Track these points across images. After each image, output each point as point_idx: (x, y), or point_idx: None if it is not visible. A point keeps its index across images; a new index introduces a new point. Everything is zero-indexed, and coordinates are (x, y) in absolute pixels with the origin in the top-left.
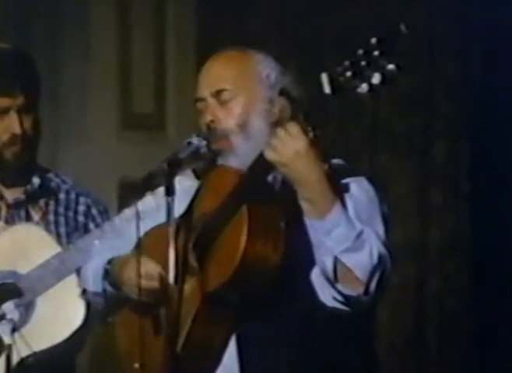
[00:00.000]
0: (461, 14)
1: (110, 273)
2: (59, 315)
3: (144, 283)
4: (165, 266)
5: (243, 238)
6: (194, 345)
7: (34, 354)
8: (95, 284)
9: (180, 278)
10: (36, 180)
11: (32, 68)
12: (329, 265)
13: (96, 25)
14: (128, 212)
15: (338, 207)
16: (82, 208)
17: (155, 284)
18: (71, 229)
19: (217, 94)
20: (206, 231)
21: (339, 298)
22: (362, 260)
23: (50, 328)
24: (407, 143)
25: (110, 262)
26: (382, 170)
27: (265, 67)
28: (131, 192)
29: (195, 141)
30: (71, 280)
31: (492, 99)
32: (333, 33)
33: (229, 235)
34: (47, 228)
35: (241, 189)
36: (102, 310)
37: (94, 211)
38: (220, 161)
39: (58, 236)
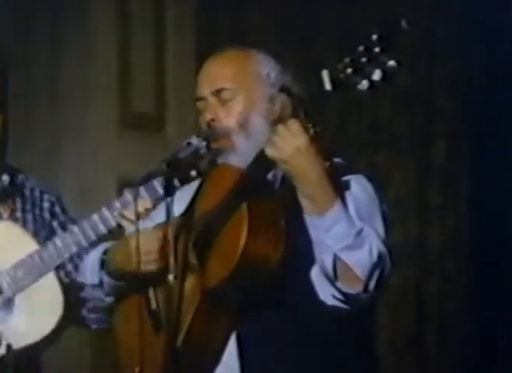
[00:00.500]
0: (462, 13)
1: (106, 262)
2: (37, 313)
3: (143, 258)
4: (165, 265)
5: (244, 236)
6: (193, 342)
7: (12, 351)
8: (92, 275)
9: (180, 275)
10: (5, 178)
11: None
12: (329, 262)
13: (96, 25)
14: (105, 210)
15: (338, 204)
16: (46, 205)
17: (155, 258)
18: (38, 226)
19: (217, 93)
20: (207, 228)
21: (339, 296)
22: (361, 258)
23: (28, 326)
24: (407, 142)
25: (105, 252)
26: (382, 169)
27: (265, 66)
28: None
29: (195, 141)
30: (50, 277)
31: (493, 99)
32: (332, 31)
33: (229, 233)
34: None
35: (241, 187)
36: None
37: (57, 209)
38: (221, 160)
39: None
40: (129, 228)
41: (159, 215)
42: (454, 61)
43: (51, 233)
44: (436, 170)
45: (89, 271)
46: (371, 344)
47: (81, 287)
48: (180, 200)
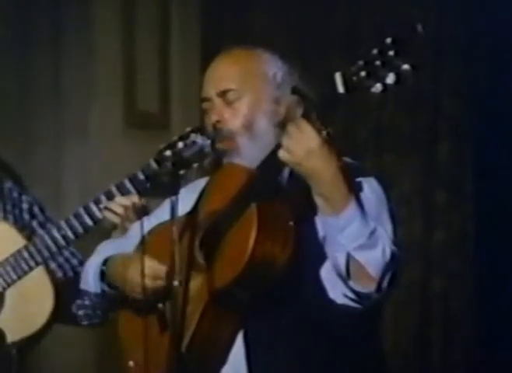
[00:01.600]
0: (466, 14)
1: (106, 274)
2: (28, 308)
3: (148, 282)
4: (169, 265)
5: (252, 237)
6: (200, 342)
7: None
8: (94, 285)
9: (185, 276)
10: None
11: None
12: (342, 261)
13: (100, 24)
14: (90, 203)
15: (352, 204)
16: (25, 206)
17: (160, 282)
18: (19, 227)
19: (223, 94)
20: (214, 228)
21: (350, 294)
22: (375, 257)
23: (19, 321)
24: (412, 143)
25: (104, 263)
26: (387, 170)
27: (272, 67)
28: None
29: (200, 139)
30: (40, 273)
31: (497, 99)
32: (338, 33)
33: (237, 234)
34: None
35: (250, 188)
36: (104, 307)
37: (36, 209)
38: (225, 161)
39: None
40: (115, 221)
41: (165, 213)
42: (459, 61)
43: (32, 233)
44: (441, 170)
45: (92, 279)
46: (379, 343)
47: (73, 283)
48: (186, 199)
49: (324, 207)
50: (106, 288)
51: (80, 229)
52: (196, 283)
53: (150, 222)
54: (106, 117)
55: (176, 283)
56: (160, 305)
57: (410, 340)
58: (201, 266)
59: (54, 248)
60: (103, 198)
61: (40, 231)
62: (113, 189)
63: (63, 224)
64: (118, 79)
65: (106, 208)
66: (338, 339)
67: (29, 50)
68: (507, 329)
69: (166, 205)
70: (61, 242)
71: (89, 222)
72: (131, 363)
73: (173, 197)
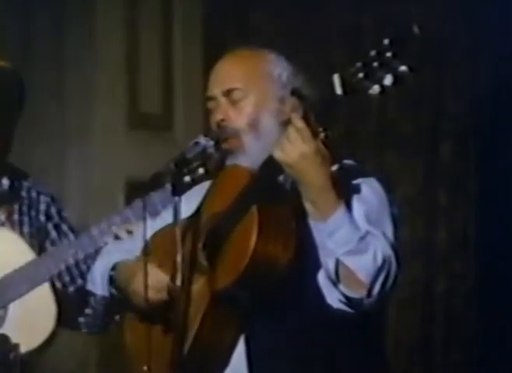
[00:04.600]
0: (470, 14)
1: (114, 279)
2: (32, 322)
3: (151, 294)
4: (172, 267)
5: (253, 238)
6: (202, 345)
7: (19, 352)
8: (103, 288)
9: (187, 279)
10: (5, 182)
11: None
12: (331, 266)
13: (103, 25)
14: (104, 225)
15: (341, 209)
16: (43, 207)
17: (162, 295)
18: (34, 229)
19: (228, 93)
20: (216, 230)
21: (344, 300)
22: (365, 263)
23: (23, 334)
24: (414, 143)
25: (114, 268)
26: (389, 170)
27: (277, 67)
28: (138, 192)
29: (202, 141)
30: (44, 287)
31: (500, 100)
32: (339, 34)
33: (239, 235)
34: (12, 229)
35: (252, 189)
36: (108, 309)
37: (53, 210)
38: (230, 160)
39: (21, 236)
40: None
41: (170, 215)
42: (462, 61)
43: (46, 235)
44: (444, 171)
45: (100, 283)
46: (380, 346)
47: (80, 295)
48: (191, 202)
49: (312, 212)
50: (113, 291)
51: (91, 250)
52: (198, 285)
53: (156, 223)
54: (109, 118)
55: (178, 283)
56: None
57: (413, 339)
58: (204, 267)
59: (62, 265)
60: (118, 223)
61: (58, 239)
62: (130, 215)
63: (75, 242)
64: (121, 81)
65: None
66: (338, 342)
67: (30, 51)
68: (509, 329)
69: (171, 207)
70: (71, 260)
71: (101, 243)
72: (145, 368)
73: (176, 199)
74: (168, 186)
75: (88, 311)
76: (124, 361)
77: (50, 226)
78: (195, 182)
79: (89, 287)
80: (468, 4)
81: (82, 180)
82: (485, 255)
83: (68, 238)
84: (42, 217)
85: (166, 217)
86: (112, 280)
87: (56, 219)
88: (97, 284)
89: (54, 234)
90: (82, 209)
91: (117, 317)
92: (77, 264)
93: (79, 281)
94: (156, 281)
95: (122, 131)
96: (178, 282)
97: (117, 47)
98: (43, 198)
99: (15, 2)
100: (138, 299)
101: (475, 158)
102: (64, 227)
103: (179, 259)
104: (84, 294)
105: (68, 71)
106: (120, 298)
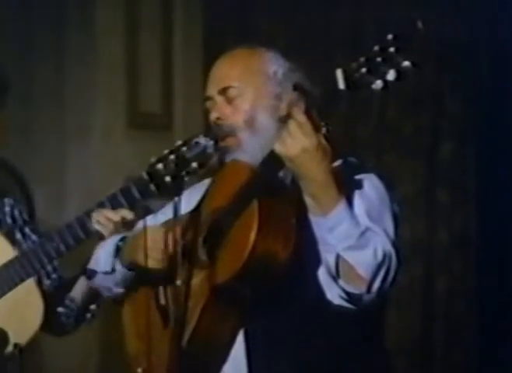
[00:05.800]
0: (470, 14)
1: (121, 249)
2: (18, 319)
3: (150, 254)
4: (173, 261)
5: (253, 232)
6: (201, 338)
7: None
8: (105, 262)
9: (187, 272)
10: None
11: None
12: (331, 261)
13: (103, 25)
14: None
15: (341, 204)
16: (7, 209)
17: (158, 256)
18: (4, 232)
19: (223, 91)
20: (217, 225)
21: (344, 295)
22: (365, 258)
23: (16, 323)
24: (414, 143)
25: (122, 239)
26: (389, 170)
27: (273, 64)
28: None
29: (202, 140)
30: (30, 284)
31: (499, 100)
32: (340, 31)
33: (239, 230)
34: None
35: (252, 184)
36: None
37: (16, 212)
38: (228, 158)
39: None
40: (106, 233)
41: (171, 211)
42: (462, 61)
43: (13, 237)
44: (444, 170)
45: (103, 258)
46: (380, 343)
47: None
48: (191, 198)
49: (313, 207)
50: (117, 265)
51: (72, 242)
52: (198, 279)
53: (157, 219)
54: (109, 118)
55: (179, 283)
56: (163, 301)
57: (413, 339)
58: (204, 262)
59: (45, 260)
60: (95, 209)
61: (33, 237)
62: (106, 202)
63: (55, 235)
64: (121, 80)
65: (97, 221)
66: (338, 338)
67: (31, 51)
68: (509, 329)
69: (172, 204)
70: (53, 254)
71: (82, 235)
72: (139, 370)
73: (176, 198)
74: (144, 175)
75: (60, 309)
76: (124, 361)
77: (15, 228)
78: (194, 179)
79: (91, 265)
80: (467, 4)
81: (82, 180)
82: (485, 254)
83: (32, 240)
84: (9, 220)
85: (168, 214)
86: (118, 251)
87: (20, 221)
88: (100, 259)
89: (19, 236)
90: (82, 209)
91: (93, 306)
92: (51, 260)
93: (54, 276)
94: (153, 242)
95: (122, 131)
96: (178, 284)
97: (117, 47)
98: (6, 200)
99: (16, 2)
100: (140, 258)
101: (475, 158)
102: (27, 229)
103: (179, 255)
104: (59, 292)
105: (68, 71)
106: (121, 272)
